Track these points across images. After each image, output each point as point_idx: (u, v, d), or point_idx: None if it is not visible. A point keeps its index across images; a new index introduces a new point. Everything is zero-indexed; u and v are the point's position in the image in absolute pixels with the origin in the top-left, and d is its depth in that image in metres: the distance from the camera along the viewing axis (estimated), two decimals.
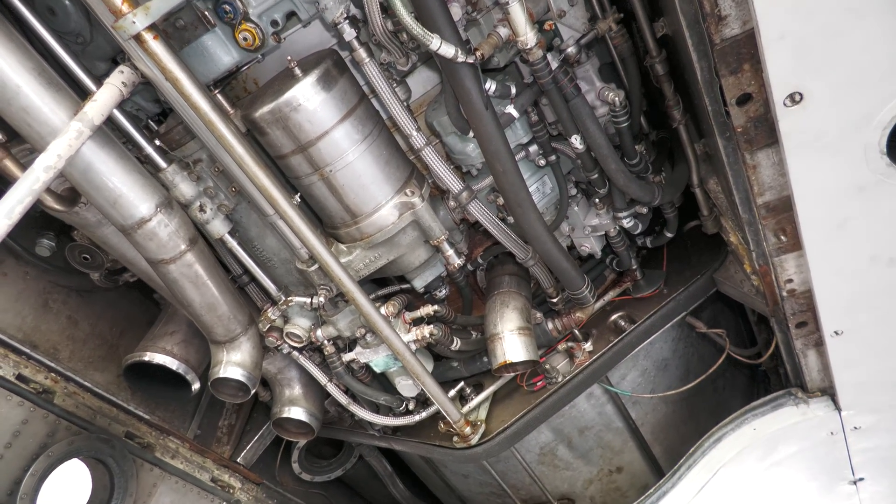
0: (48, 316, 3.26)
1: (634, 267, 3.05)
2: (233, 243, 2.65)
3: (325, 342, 2.83)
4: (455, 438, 3.01)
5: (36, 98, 1.98)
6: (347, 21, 2.21)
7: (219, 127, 2.11)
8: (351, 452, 4.47)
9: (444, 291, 2.95)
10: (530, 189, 2.56)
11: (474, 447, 2.98)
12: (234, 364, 2.83)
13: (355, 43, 2.26)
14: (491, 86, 2.25)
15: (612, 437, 3.55)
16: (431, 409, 3.04)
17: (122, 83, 2.17)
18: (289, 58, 2.25)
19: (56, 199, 2.51)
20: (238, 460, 3.95)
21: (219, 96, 2.35)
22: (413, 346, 2.74)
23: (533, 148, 2.66)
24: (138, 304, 3.69)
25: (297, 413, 3.33)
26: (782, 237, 2.22)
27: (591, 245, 2.96)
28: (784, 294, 2.41)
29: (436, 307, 2.80)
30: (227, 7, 2.21)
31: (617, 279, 3.19)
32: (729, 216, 2.76)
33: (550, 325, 3.05)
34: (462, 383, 3.08)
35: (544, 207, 2.82)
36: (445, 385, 2.92)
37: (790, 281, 2.36)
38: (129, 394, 3.49)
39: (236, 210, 2.65)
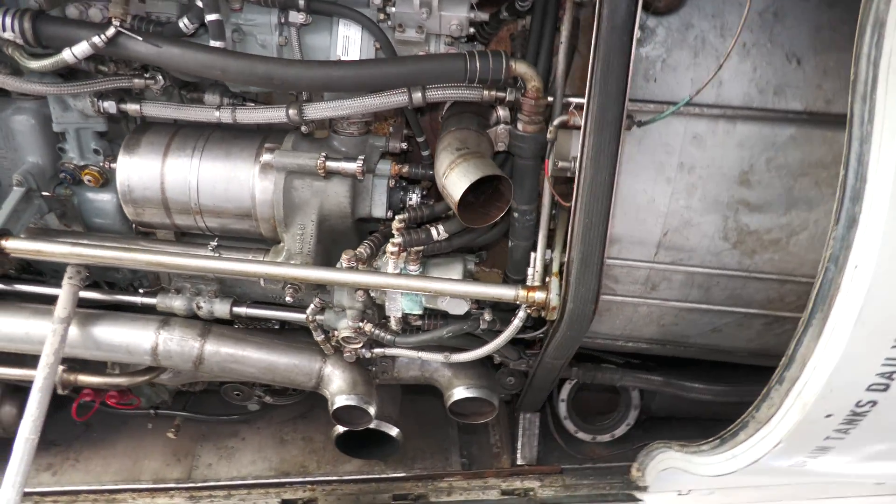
0: (288, 447, 3.85)
1: None
2: (246, 311, 2.84)
3: (363, 325, 2.66)
4: (543, 313, 2.37)
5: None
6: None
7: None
8: (627, 397, 3.79)
9: (414, 196, 2.54)
10: None
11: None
12: (336, 394, 2.87)
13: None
14: None
15: None
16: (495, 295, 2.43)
17: (81, 279, 2.73)
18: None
19: None
20: (520, 462, 3.74)
21: None
22: (407, 269, 2.39)
23: None
24: None
25: (466, 392, 3.08)
26: None
27: None
28: None
29: (399, 219, 2.43)
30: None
31: None
32: None
33: None
34: (465, 264, 2.48)
35: None
36: None
37: None
38: (383, 465, 3.75)
39: (225, 280, 2.86)
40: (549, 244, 2.46)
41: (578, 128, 2.08)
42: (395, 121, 2.69)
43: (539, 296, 2.30)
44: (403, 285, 2.30)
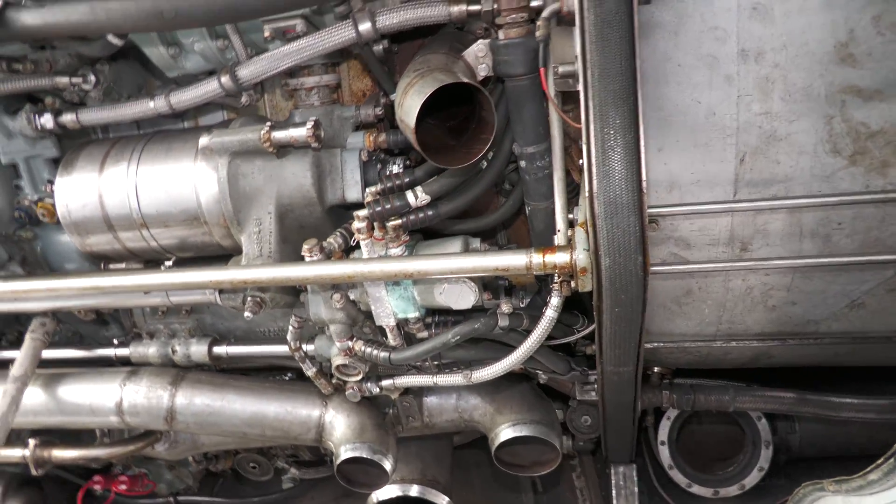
0: None
1: None
2: (227, 349, 2.33)
3: (352, 344, 2.04)
4: (575, 284, 1.65)
5: None
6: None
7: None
8: (753, 430, 2.81)
9: (394, 168, 1.98)
10: None
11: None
12: (339, 445, 2.22)
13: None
14: None
15: None
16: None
17: (45, 333, 2.37)
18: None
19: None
20: None
21: None
22: (390, 250, 1.79)
23: None
24: None
25: (513, 431, 2.31)
26: None
27: None
28: None
29: (371, 192, 1.87)
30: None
31: None
32: None
33: None
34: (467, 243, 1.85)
35: None
36: None
37: None
38: None
39: (202, 318, 2.39)
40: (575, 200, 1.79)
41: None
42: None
43: (560, 258, 1.61)
44: (368, 271, 1.69)
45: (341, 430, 2.22)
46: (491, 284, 2.10)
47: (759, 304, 2.05)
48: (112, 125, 2.33)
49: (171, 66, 2.08)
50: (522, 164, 1.82)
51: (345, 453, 2.15)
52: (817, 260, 1.86)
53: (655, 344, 2.25)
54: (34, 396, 2.32)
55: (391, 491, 2.58)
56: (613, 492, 2.89)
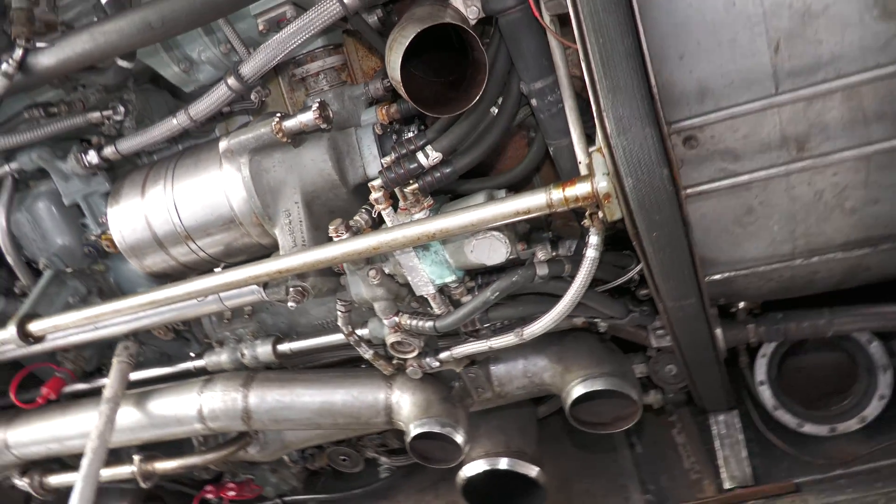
0: None
1: None
2: (290, 346, 2.38)
3: (398, 319, 2.01)
4: (603, 213, 1.53)
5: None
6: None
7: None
8: (864, 356, 2.50)
9: (409, 133, 1.94)
10: None
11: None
12: (408, 423, 2.21)
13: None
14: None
15: None
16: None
17: (129, 355, 2.55)
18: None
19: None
20: (728, 486, 2.62)
21: None
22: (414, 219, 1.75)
23: None
24: None
25: (583, 387, 2.19)
26: None
27: None
28: None
29: (384, 162, 1.83)
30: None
31: None
32: None
33: None
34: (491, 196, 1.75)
35: None
36: None
37: None
38: None
39: (263, 319, 2.46)
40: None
41: None
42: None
43: (581, 188, 1.49)
44: (391, 239, 1.65)
45: (408, 409, 2.21)
46: (535, 238, 2.01)
47: (834, 209, 1.82)
48: (155, 150, 2.45)
49: (186, 80, 2.15)
50: (534, 102, 1.72)
51: (414, 430, 2.14)
52: (890, 143, 1.62)
53: (727, 274, 2.05)
54: (128, 415, 2.48)
55: (478, 466, 2.54)
56: (717, 443, 2.69)
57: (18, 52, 1.85)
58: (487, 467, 2.54)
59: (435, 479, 3.36)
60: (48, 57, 1.83)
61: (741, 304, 2.37)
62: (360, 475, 3.38)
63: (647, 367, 2.48)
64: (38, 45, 1.84)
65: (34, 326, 2.30)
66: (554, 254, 1.85)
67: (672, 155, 1.42)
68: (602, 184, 1.47)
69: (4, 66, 1.86)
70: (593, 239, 1.66)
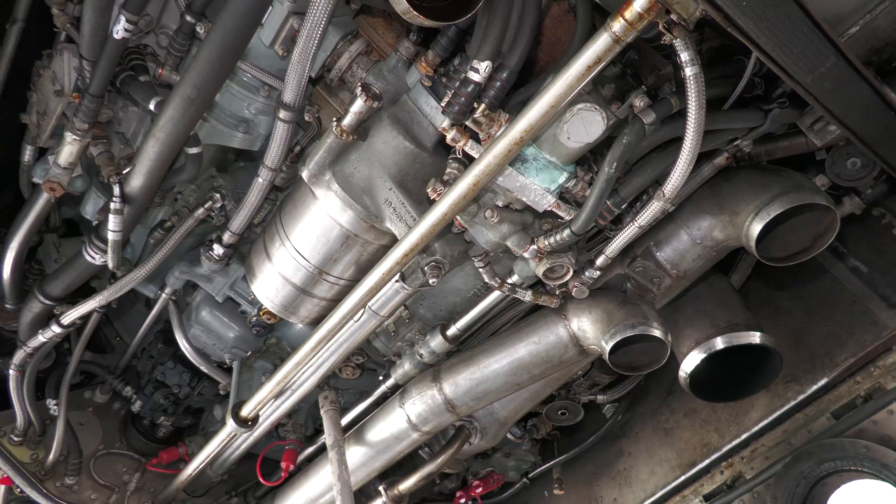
0: (676, 434, 3.00)
1: None
2: (457, 326, 2.39)
3: (536, 244, 1.92)
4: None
5: None
6: None
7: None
8: None
9: (453, 65, 1.86)
10: None
11: None
12: (599, 342, 2.09)
13: None
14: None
15: None
16: None
17: (331, 403, 2.70)
18: None
19: None
20: None
21: None
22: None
23: None
24: None
25: (761, 220, 1.92)
26: None
27: None
28: None
29: (444, 104, 1.77)
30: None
31: None
32: None
33: None
34: None
35: None
36: None
37: None
38: (792, 385, 2.60)
39: (422, 315, 2.48)
40: None
41: None
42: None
43: (639, 2, 1.32)
44: (485, 166, 1.58)
45: (591, 329, 2.10)
46: (623, 91, 1.82)
47: None
48: (263, 220, 2.60)
49: (251, 140, 2.26)
50: None
51: (607, 345, 2.02)
52: None
53: (865, 19, 1.73)
54: (355, 454, 2.62)
55: (694, 358, 2.35)
56: None
57: (116, 189, 2.05)
58: (704, 354, 2.35)
59: (663, 396, 3.18)
60: (136, 178, 2.01)
61: None
62: (586, 424, 3.30)
63: (826, 176, 2.17)
64: (124, 171, 2.03)
65: (244, 411, 2.51)
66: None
67: None
68: None
69: (113, 205, 2.06)
70: (684, 55, 1.47)
